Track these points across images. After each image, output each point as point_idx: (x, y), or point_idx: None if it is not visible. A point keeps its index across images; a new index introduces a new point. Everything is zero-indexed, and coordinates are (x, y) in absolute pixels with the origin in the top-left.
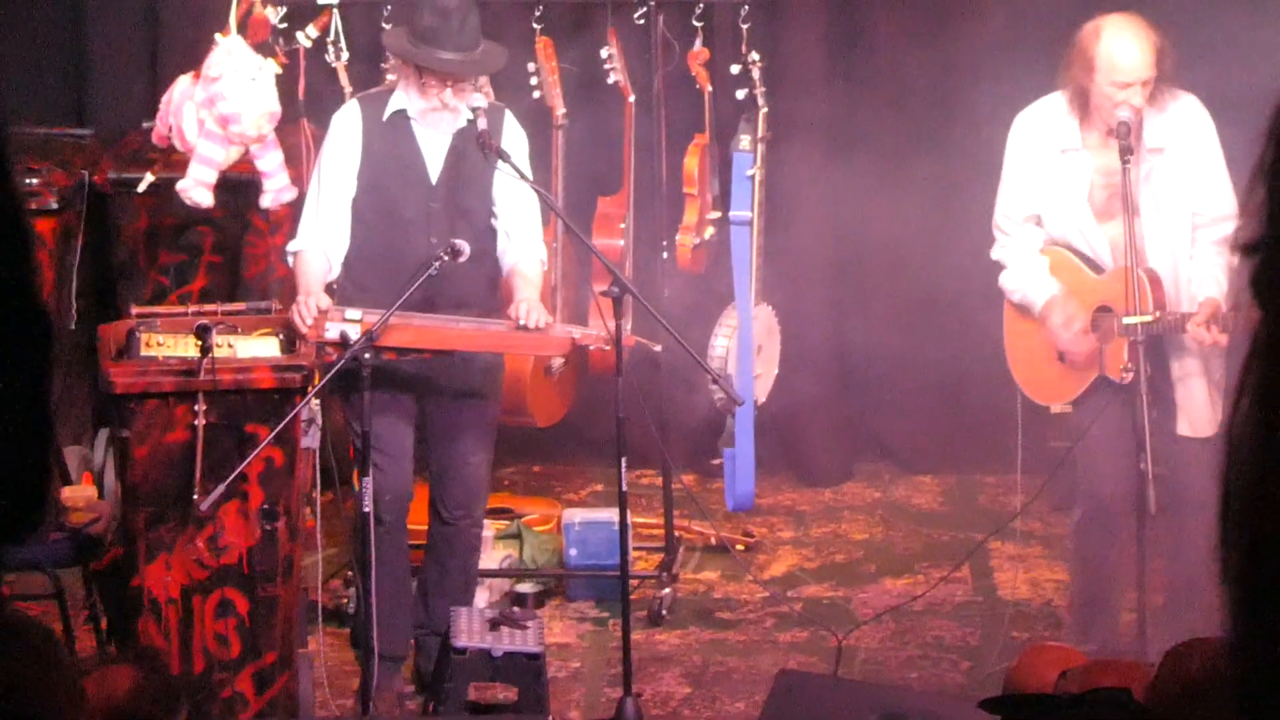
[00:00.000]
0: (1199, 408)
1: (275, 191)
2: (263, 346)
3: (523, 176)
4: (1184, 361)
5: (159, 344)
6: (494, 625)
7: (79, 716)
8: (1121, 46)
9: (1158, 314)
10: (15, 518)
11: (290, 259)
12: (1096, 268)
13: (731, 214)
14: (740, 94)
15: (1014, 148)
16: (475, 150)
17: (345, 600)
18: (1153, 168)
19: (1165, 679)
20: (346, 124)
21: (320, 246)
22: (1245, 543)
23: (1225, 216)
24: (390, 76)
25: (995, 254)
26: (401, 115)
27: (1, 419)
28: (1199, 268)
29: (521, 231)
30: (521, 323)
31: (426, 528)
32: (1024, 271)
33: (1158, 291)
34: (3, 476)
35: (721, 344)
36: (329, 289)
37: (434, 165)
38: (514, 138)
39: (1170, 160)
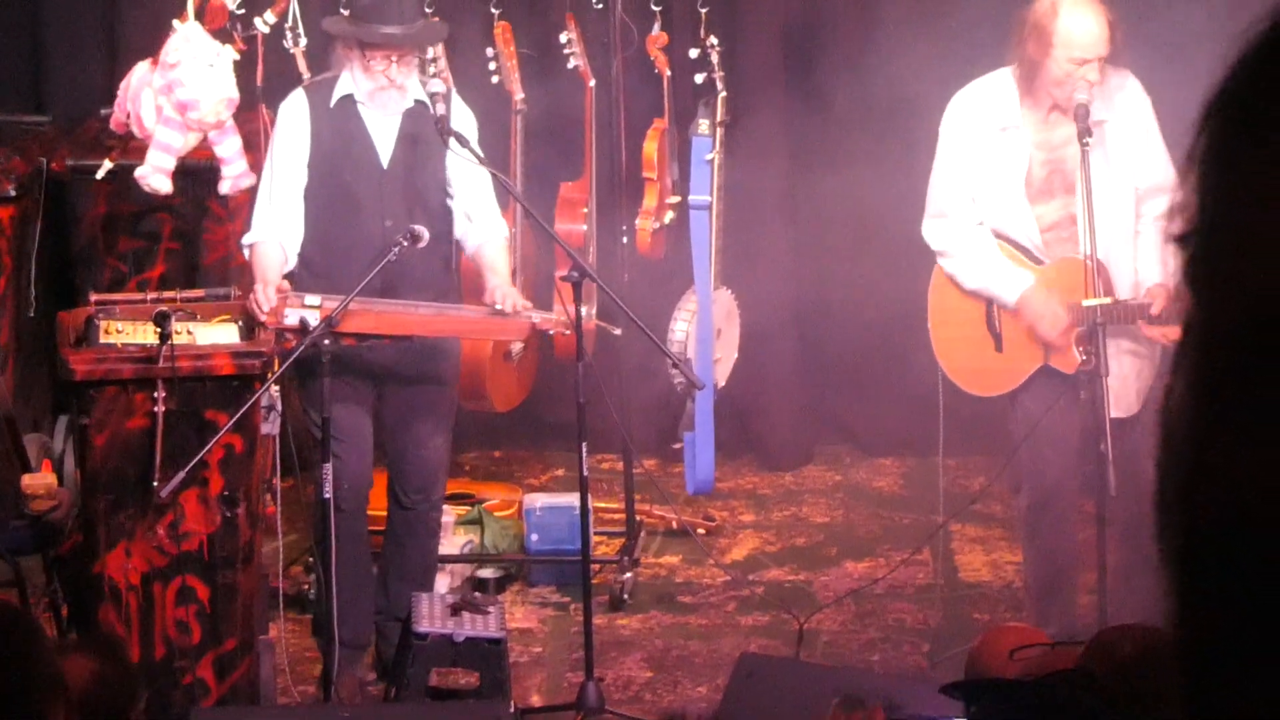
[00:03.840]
0: (1127, 388)
1: (234, 178)
2: (222, 333)
3: (481, 161)
4: (1118, 342)
5: (118, 331)
6: (455, 611)
7: (59, 703)
8: (1080, 22)
9: (1114, 298)
10: None
11: (246, 252)
12: (1033, 257)
13: (691, 198)
14: (699, 78)
15: (952, 128)
16: (426, 132)
17: (306, 587)
18: (1092, 143)
19: (1093, 662)
20: (294, 113)
21: (275, 238)
22: (1182, 531)
23: (1164, 187)
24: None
25: (937, 242)
26: (349, 100)
27: None
28: (1144, 248)
29: (481, 212)
30: (499, 308)
31: (385, 513)
32: (983, 261)
33: (1104, 276)
34: None
35: (681, 328)
36: (285, 278)
37: (384, 149)
38: (463, 119)
39: (1109, 136)
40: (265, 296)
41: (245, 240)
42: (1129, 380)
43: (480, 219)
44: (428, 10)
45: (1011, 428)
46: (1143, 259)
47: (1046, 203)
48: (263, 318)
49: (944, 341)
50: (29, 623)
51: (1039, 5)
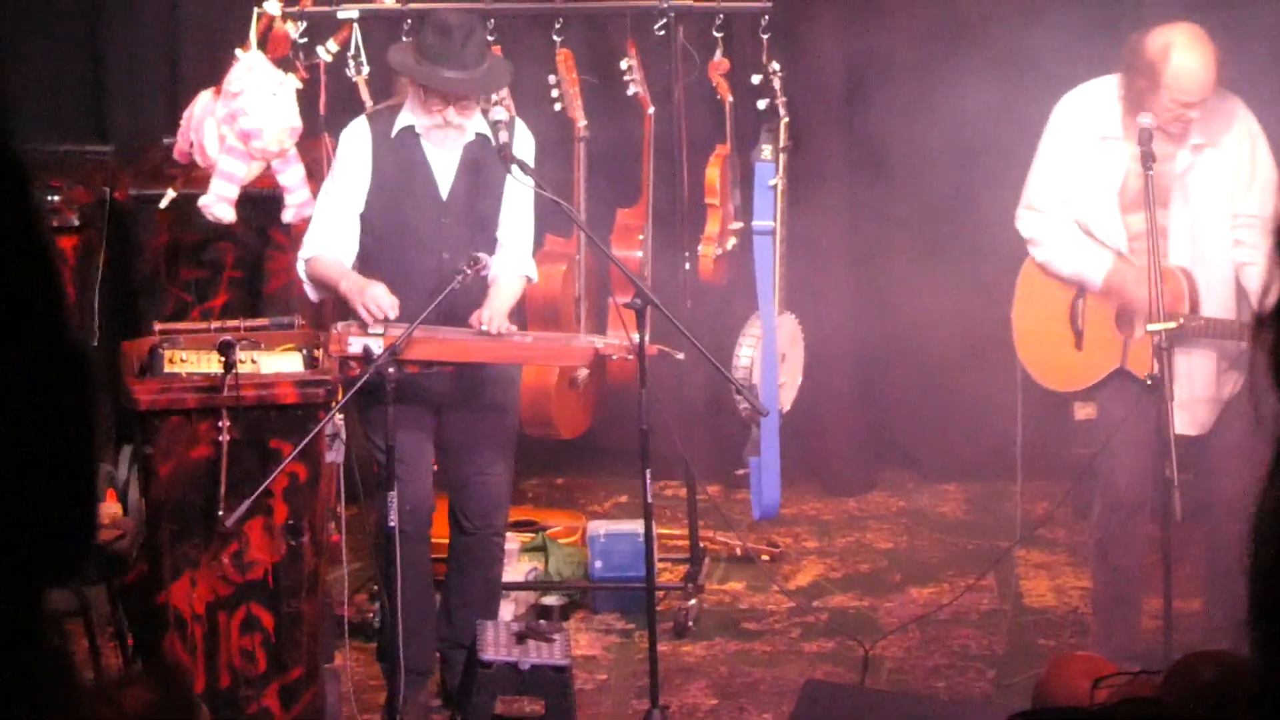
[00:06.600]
0: (1199, 405)
1: (297, 206)
2: (286, 362)
3: (543, 189)
4: (1190, 359)
5: (182, 360)
6: (520, 638)
7: None
8: (1190, 69)
9: (1180, 320)
10: (60, 562)
11: (303, 266)
12: (1150, 248)
13: (754, 224)
14: (761, 104)
15: (1055, 130)
16: (487, 163)
17: (370, 615)
18: (1193, 163)
19: (1172, 690)
20: (356, 141)
21: (332, 254)
22: (1274, 621)
23: (1257, 215)
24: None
25: (1027, 231)
26: (410, 131)
27: (46, 469)
28: (1253, 281)
29: (512, 243)
30: (482, 328)
31: (448, 540)
32: (1072, 248)
33: (1193, 291)
34: (49, 524)
35: (746, 354)
36: (344, 310)
37: (444, 180)
38: (523, 143)
39: (1212, 158)
40: (377, 306)
41: (302, 255)
42: (1204, 398)
43: (508, 249)
44: (490, 38)
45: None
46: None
47: (1136, 213)
48: (383, 316)
49: (1025, 333)
50: (56, 667)
51: (1152, 43)
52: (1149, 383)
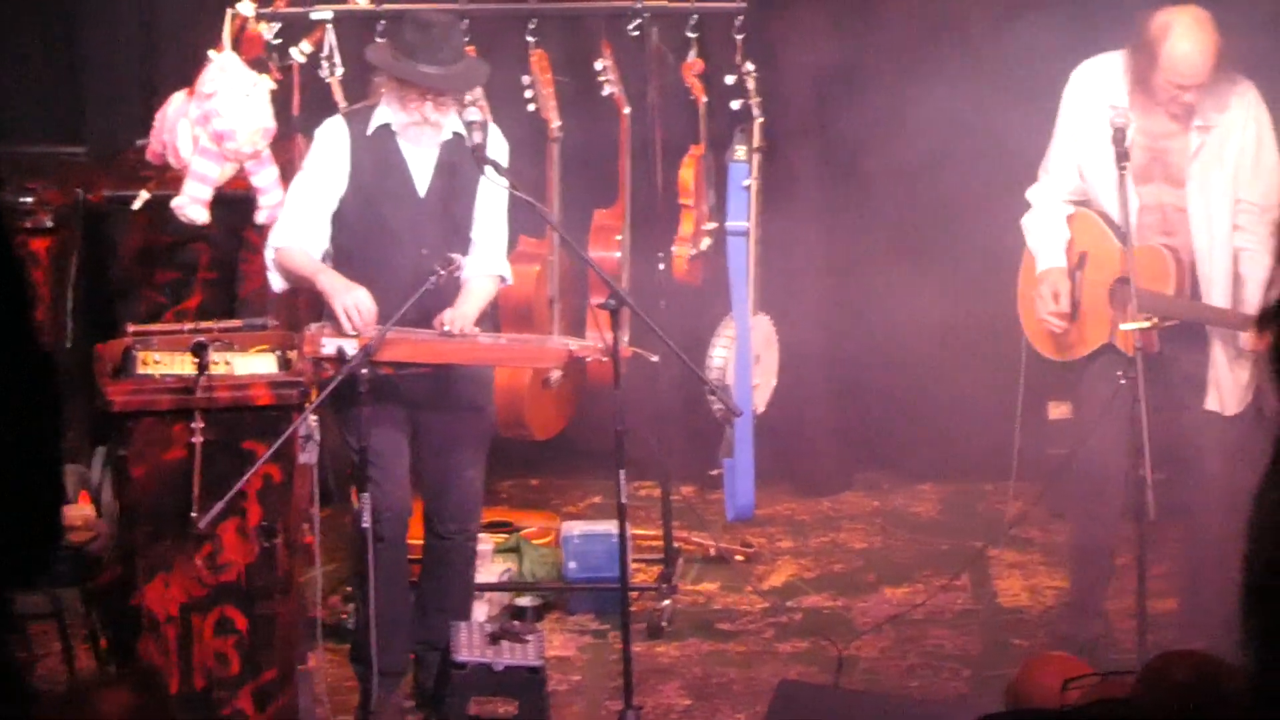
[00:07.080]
0: (1229, 385)
1: (270, 208)
2: (259, 363)
3: (516, 189)
4: (1221, 337)
5: (155, 362)
6: (494, 639)
7: None
8: (1184, 52)
9: (1153, 321)
10: (25, 565)
11: (271, 253)
12: (1124, 236)
13: (728, 224)
14: (735, 104)
15: (1068, 97)
16: (464, 162)
17: (345, 616)
18: (1204, 143)
19: (1146, 690)
20: (333, 139)
21: (302, 247)
22: (1267, 622)
23: (1262, 205)
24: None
25: (1030, 194)
26: (386, 130)
27: (10, 471)
28: (1252, 268)
29: (485, 245)
30: (445, 329)
31: (422, 542)
32: (1045, 226)
33: (1181, 271)
34: (14, 527)
35: (720, 354)
36: (318, 311)
37: (421, 179)
38: (497, 147)
39: (1219, 140)
40: (357, 312)
41: (274, 243)
42: (1233, 375)
43: (481, 251)
44: (465, 38)
45: (1075, 404)
46: (1252, 278)
47: (1143, 186)
48: (357, 328)
49: (1028, 299)
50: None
51: (1155, 22)
52: (1123, 382)
